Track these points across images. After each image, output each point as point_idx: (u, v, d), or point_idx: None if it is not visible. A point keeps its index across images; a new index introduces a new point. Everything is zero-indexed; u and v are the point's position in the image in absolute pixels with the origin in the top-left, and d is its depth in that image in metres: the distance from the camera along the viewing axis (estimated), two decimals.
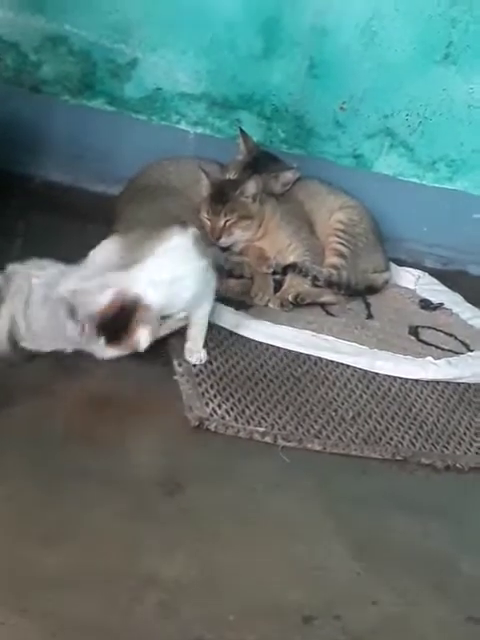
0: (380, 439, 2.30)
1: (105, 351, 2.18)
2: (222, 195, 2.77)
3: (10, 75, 3.02)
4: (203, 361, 2.39)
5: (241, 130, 2.99)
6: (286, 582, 1.83)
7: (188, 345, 2.39)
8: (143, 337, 2.18)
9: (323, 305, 2.82)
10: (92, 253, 2.23)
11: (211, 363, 2.40)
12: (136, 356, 2.29)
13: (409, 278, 3.13)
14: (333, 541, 1.96)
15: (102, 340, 2.16)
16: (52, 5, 2.95)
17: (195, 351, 2.39)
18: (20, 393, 2.09)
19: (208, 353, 2.42)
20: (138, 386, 2.26)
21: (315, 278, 2.82)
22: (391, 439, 2.31)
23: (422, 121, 3.18)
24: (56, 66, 3.03)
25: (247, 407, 2.27)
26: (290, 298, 2.75)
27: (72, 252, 2.27)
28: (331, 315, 2.79)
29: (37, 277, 2.18)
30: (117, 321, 2.15)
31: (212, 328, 2.52)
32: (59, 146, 3.03)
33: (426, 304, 3.02)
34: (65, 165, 3.04)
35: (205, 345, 2.40)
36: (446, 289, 3.11)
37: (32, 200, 2.75)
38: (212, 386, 2.31)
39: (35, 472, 1.93)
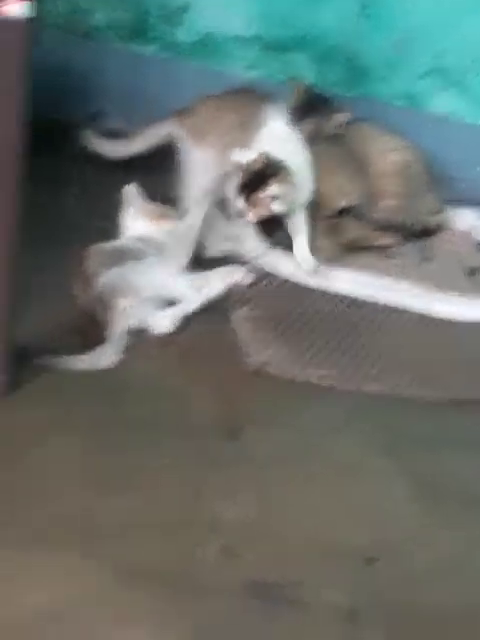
0: (438, 381, 2.29)
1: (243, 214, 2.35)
2: None
3: (62, 22, 3.01)
4: (314, 268, 2.50)
5: (293, 76, 2.96)
6: (347, 523, 1.85)
7: (298, 257, 2.50)
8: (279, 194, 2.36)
9: (379, 248, 2.81)
10: None
11: (268, 309, 2.40)
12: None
13: (465, 220, 3.09)
14: (393, 482, 1.97)
15: (241, 200, 2.33)
16: None
17: (306, 259, 2.49)
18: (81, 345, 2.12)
19: (263, 299, 2.42)
20: (196, 333, 2.28)
21: (370, 220, 2.80)
22: (449, 381, 2.30)
23: (477, 59, 3.12)
24: (108, 12, 3.02)
25: (305, 351, 2.28)
26: (345, 242, 2.74)
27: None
28: (387, 258, 2.77)
29: None
30: (259, 178, 2.33)
31: (268, 274, 2.53)
32: (112, 93, 3.02)
33: None
34: (118, 112, 3.03)
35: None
36: None
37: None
38: (269, 332, 2.31)
39: (97, 420, 1.96)
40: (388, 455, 2.03)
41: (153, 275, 2.27)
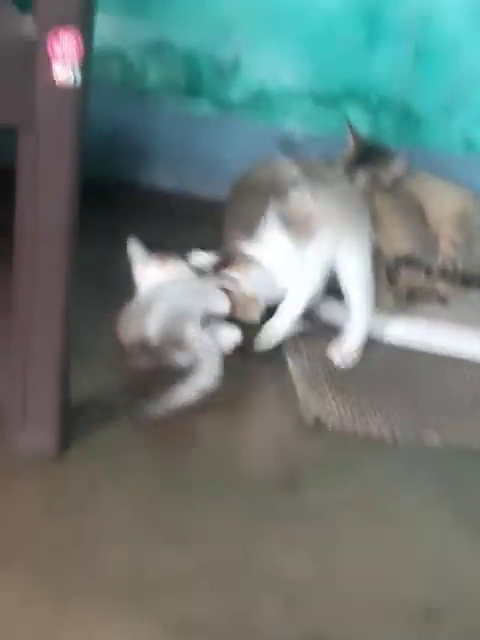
0: None
1: None
2: None
3: (116, 82, 3.06)
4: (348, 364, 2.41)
5: (349, 124, 2.96)
6: (409, 579, 1.81)
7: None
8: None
9: (438, 296, 2.78)
10: None
11: (325, 360, 2.39)
12: (250, 357, 2.31)
13: None
14: (456, 536, 1.93)
15: None
16: (155, 11, 2.98)
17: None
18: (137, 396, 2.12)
19: (322, 351, 2.41)
20: (254, 386, 2.27)
21: (429, 269, 2.78)
22: None
23: None
24: (161, 72, 3.06)
25: (363, 404, 2.25)
26: (404, 291, 2.72)
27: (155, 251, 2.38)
28: (447, 306, 2.75)
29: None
30: None
31: (325, 325, 2.52)
32: (166, 151, 3.06)
33: None
34: (172, 170, 3.07)
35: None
36: None
37: (139, 206, 2.78)
38: (328, 384, 2.30)
39: (156, 477, 1.95)
40: (449, 508, 1.99)
41: (193, 295, 2.30)
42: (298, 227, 2.41)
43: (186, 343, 2.18)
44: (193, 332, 2.19)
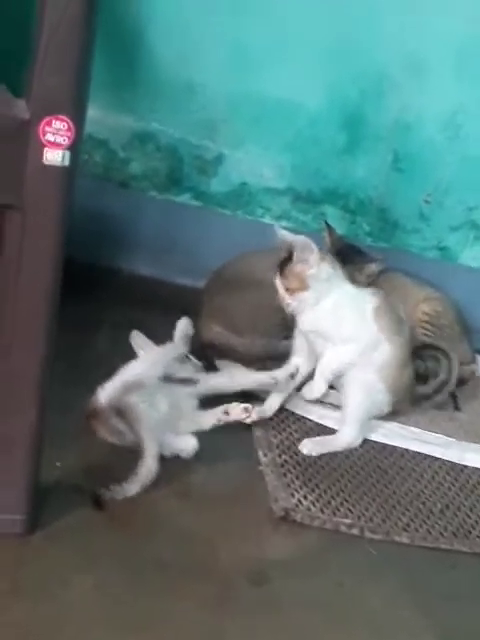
0: (470, 532, 2.25)
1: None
2: None
3: (99, 171, 3.10)
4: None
5: (326, 223, 3.00)
6: None
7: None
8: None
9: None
10: None
11: (296, 454, 2.39)
12: (221, 448, 2.30)
13: None
14: (420, 638, 1.90)
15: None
16: (140, 104, 3.03)
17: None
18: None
19: (292, 444, 2.41)
20: (224, 477, 2.26)
21: None
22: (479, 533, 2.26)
23: None
24: (144, 162, 3.11)
25: (333, 498, 2.25)
26: None
27: (158, 344, 2.38)
28: (418, 408, 2.76)
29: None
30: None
31: (296, 419, 2.52)
32: (146, 240, 3.09)
33: None
34: (152, 258, 3.09)
35: None
36: None
37: (119, 293, 2.80)
38: (297, 477, 2.29)
39: (123, 562, 1.92)
40: (416, 608, 1.97)
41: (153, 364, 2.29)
42: None
43: (126, 411, 2.16)
44: (134, 401, 2.17)
